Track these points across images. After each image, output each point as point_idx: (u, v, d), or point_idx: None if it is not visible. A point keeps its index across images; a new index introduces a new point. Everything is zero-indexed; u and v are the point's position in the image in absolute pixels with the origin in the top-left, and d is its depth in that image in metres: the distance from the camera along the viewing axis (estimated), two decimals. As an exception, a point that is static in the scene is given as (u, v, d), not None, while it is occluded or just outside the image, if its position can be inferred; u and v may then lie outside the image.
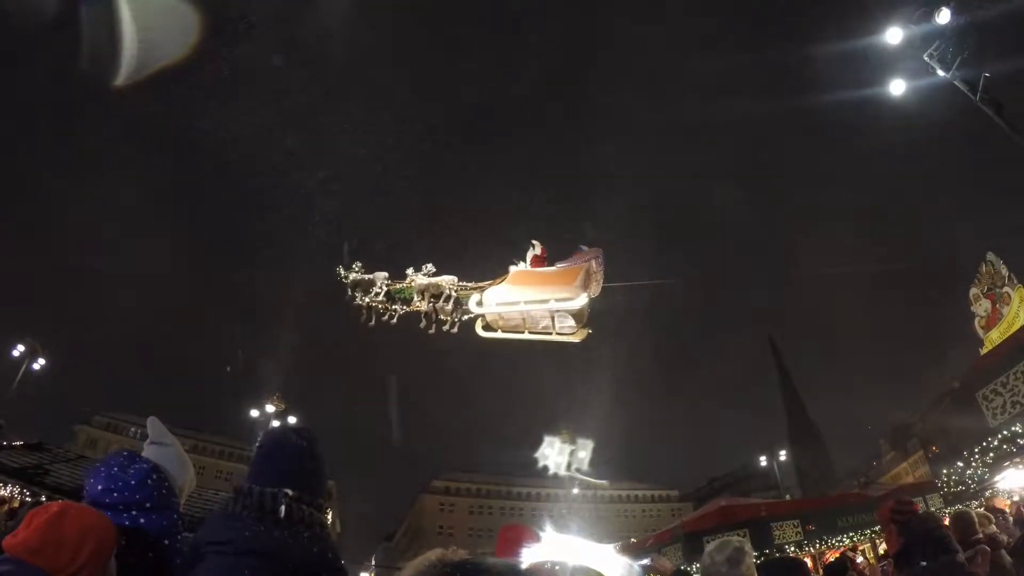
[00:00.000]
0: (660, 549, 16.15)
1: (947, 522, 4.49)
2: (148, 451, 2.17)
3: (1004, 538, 4.24)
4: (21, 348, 28.07)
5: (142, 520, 1.89)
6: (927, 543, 3.07)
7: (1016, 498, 9.65)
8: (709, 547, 3.03)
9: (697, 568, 10.83)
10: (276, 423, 27.16)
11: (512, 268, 9.42)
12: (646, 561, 4.29)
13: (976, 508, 7.66)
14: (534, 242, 9.58)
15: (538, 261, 9.41)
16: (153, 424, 2.28)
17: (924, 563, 3.04)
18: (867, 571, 13.01)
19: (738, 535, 10.92)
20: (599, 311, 9.48)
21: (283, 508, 1.83)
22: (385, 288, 9.91)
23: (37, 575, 1.48)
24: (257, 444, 2.17)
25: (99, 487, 1.90)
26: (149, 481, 1.96)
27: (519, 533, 2.74)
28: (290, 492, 1.88)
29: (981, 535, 4.29)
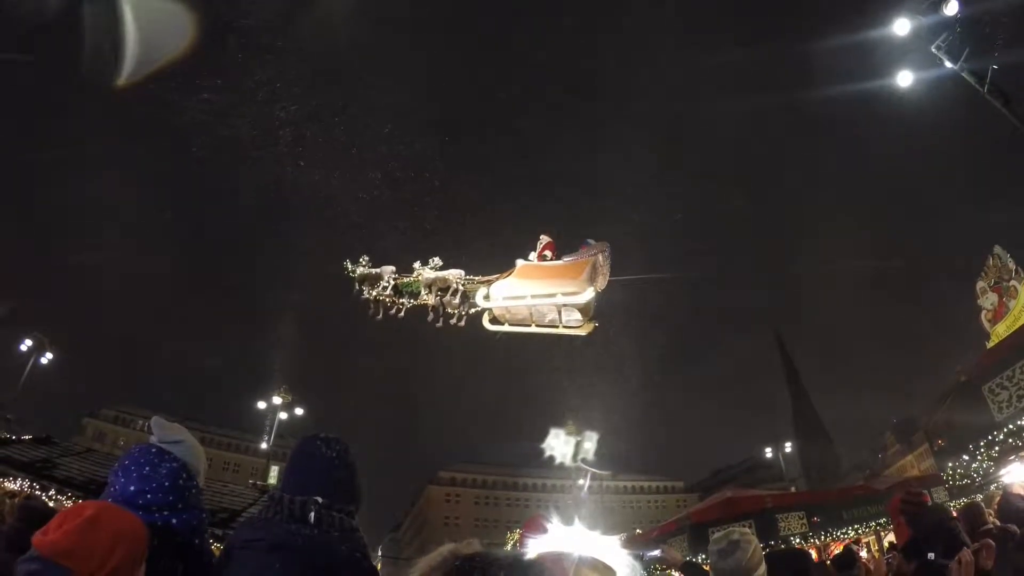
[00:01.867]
0: (666, 540, 16.23)
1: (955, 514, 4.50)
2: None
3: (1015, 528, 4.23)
4: (29, 343, 28.26)
5: (173, 520, 1.87)
6: (937, 535, 3.09)
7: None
8: (716, 535, 3.07)
9: (703, 559, 10.89)
10: (283, 415, 27.36)
11: (519, 262, 9.41)
12: (656, 552, 4.35)
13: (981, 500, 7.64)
14: (542, 236, 9.56)
15: (544, 254, 9.40)
16: (159, 424, 2.13)
17: (932, 555, 3.06)
18: (871, 564, 13.04)
19: (743, 526, 10.97)
20: (605, 305, 9.48)
21: (312, 515, 1.88)
22: (392, 282, 9.93)
23: None
24: (290, 453, 2.19)
25: (131, 488, 1.86)
26: (180, 481, 1.94)
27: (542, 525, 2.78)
28: (320, 500, 1.92)
29: (991, 526, 4.30)
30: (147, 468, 1.91)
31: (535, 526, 2.77)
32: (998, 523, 4.72)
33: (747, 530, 3.16)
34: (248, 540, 1.86)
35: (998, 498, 5.78)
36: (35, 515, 3.37)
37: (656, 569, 12.27)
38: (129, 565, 1.57)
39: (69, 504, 9.78)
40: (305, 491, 1.94)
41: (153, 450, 1.98)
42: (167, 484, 1.90)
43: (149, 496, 1.86)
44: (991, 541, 3.08)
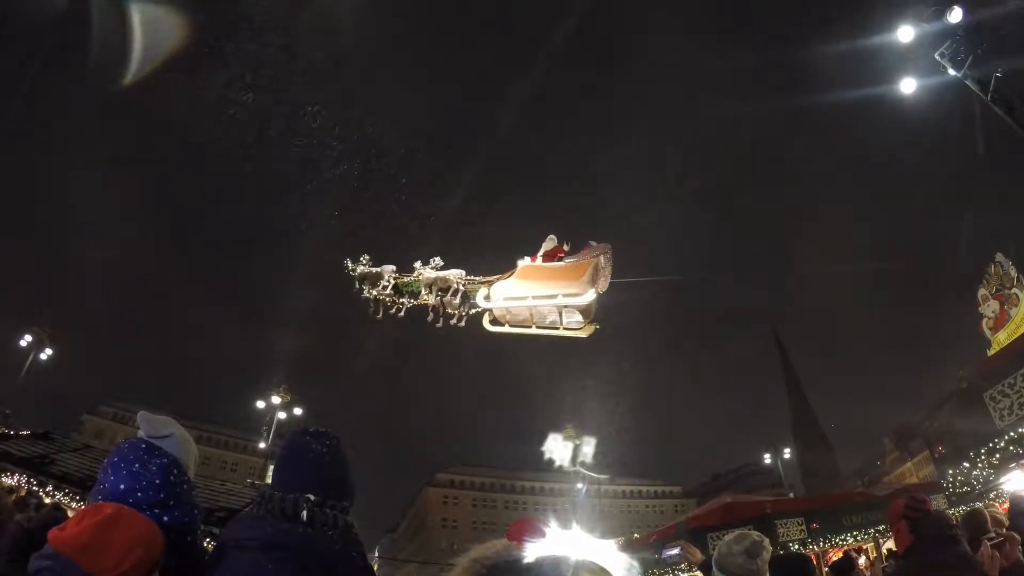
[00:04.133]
0: (664, 544, 16.18)
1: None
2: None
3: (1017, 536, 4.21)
4: (28, 338, 28.26)
5: (165, 518, 1.82)
6: (937, 542, 3.06)
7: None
8: (728, 537, 3.05)
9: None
10: (282, 414, 27.31)
11: (520, 262, 9.39)
12: (675, 550, 4.36)
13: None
14: (551, 236, 9.50)
15: (551, 256, 9.35)
16: (146, 419, 2.06)
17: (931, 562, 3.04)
18: (869, 571, 13.01)
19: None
20: (607, 307, 9.45)
21: (304, 513, 1.84)
22: (393, 281, 9.91)
23: (78, 574, 1.45)
24: (279, 449, 2.14)
25: (121, 485, 1.81)
26: (171, 477, 1.89)
27: (529, 527, 2.75)
28: (312, 498, 1.87)
29: (994, 533, 4.27)
30: (137, 465, 1.86)
31: (524, 529, 2.74)
32: (1000, 531, 4.71)
33: (761, 534, 3.14)
34: (240, 539, 1.82)
35: (1004, 504, 5.77)
36: (54, 524, 3.31)
37: (675, 569, 12.20)
38: (142, 569, 1.55)
39: (67, 500, 9.79)
40: (296, 488, 1.89)
41: (142, 446, 1.93)
42: (158, 481, 1.85)
43: (140, 494, 1.81)
44: (1015, 535, 3.06)
